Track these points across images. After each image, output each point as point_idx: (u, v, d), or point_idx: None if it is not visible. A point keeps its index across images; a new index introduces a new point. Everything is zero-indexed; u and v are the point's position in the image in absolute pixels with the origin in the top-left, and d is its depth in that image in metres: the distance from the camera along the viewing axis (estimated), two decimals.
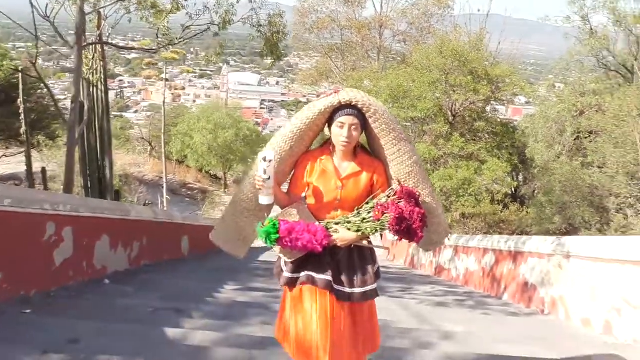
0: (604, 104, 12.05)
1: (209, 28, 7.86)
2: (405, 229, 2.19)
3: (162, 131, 22.96)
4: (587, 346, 3.80)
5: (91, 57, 8.17)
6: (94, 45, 7.94)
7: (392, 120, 2.31)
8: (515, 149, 14.59)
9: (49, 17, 6.84)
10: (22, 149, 11.84)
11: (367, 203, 2.30)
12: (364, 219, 2.26)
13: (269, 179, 2.21)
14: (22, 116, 8.37)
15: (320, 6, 25.29)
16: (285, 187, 2.46)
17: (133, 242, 6.59)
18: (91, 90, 8.28)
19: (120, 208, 6.39)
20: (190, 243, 9.65)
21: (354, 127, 2.25)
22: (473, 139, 14.04)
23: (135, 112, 72.36)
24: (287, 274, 2.34)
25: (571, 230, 10.80)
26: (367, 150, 2.44)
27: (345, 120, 2.24)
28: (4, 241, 3.82)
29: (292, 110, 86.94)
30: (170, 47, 8.23)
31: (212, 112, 28.46)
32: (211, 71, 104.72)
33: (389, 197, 2.25)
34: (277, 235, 2.19)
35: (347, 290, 2.29)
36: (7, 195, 3.78)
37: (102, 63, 8.46)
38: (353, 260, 2.34)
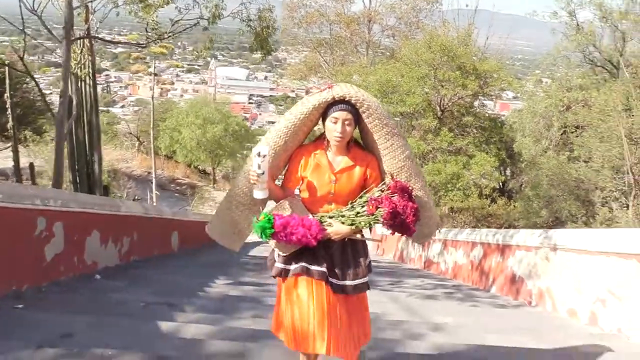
0: (590, 99, 12.21)
1: (198, 22, 7.81)
2: (399, 223, 2.23)
3: (151, 126, 22.80)
4: (573, 336, 3.88)
5: (79, 51, 8.10)
6: (81, 40, 7.87)
7: (385, 116, 2.35)
8: (503, 144, 14.71)
9: (36, 10, 6.77)
10: (8, 144, 11.72)
11: (361, 197, 2.33)
12: (358, 213, 2.29)
13: (263, 173, 2.23)
14: (9, 111, 8.26)
15: (309, 0, 25.23)
16: (279, 182, 2.49)
17: (123, 237, 6.58)
18: (79, 84, 8.22)
19: (110, 203, 6.37)
20: (180, 238, 9.64)
21: (347, 122, 2.28)
22: (461, 133, 14.14)
23: (122, 107, 71.74)
24: (279, 265, 2.37)
25: (558, 223, 10.96)
26: (360, 144, 2.47)
27: (338, 115, 2.27)
28: None
29: (281, 105, 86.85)
30: (159, 41, 8.16)
31: (201, 107, 28.33)
32: (199, 66, 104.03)
33: (383, 191, 2.28)
34: (272, 230, 2.21)
35: (340, 282, 2.33)
36: None
37: (90, 57, 8.39)
38: (346, 253, 2.38)
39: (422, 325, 3.99)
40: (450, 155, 13.30)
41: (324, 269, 2.30)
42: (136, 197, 17.14)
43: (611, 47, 14.09)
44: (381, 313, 4.21)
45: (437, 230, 2.75)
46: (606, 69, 14.51)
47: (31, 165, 9.25)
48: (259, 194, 2.31)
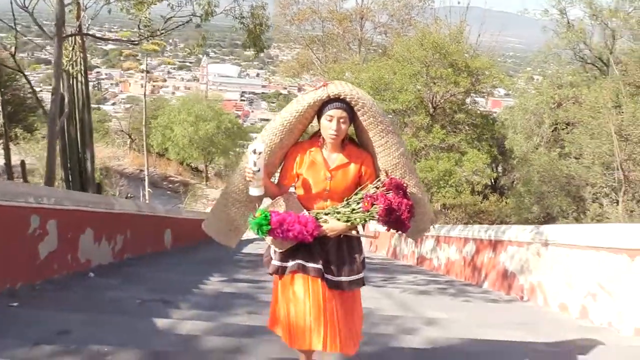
0: (581, 96, 12.30)
1: (190, 19, 7.79)
2: (394, 220, 2.25)
3: (144, 123, 22.70)
4: (564, 330, 3.94)
5: (71, 48, 8.07)
6: (73, 37, 7.83)
7: (379, 113, 2.37)
8: (494, 141, 14.81)
9: (27, 7, 6.73)
10: None
11: (356, 194, 2.35)
12: (353, 209, 2.31)
13: (258, 170, 2.24)
14: (0, 108, 8.21)
15: None
16: (275, 179, 2.51)
17: (116, 235, 6.57)
18: (71, 82, 8.19)
19: (103, 201, 6.36)
20: (173, 236, 9.63)
21: (342, 120, 2.30)
22: (453, 130, 14.21)
23: (113, 104, 71.24)
24: (276, 262, 2.39)
25: (549, 219, 11.05)
26: (355, 142, 2.49)
27: (333, 113, 2.29)
28: None
29: (273, 103, 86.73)
30: (152, 38, 8.13)
31: (193, 104, 28.26)
32: (190, 63, 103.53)
33: (378, 188, 2.30)
34: (269, 227, 2.23)
35: (336, 278, 2.35)
36: None
37: (81, 54, 8.36)
38: (342, 249, 2.40)
39: (415, 320, 4.02)
40: (442, 152, 13.38)
41: (319, 266, 2.32)
42: (129, 195, 17.07)
43: (601, 45, 14.20)
44: (375, 308, 4.24)
45: (432, 226, 2.78)
46: (596, 67, 14.63)
47: (22, 163, 9.21)
48: (254, 191, 2.33)
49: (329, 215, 2.34)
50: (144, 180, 20.63)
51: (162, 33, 7.69)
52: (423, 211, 2.56)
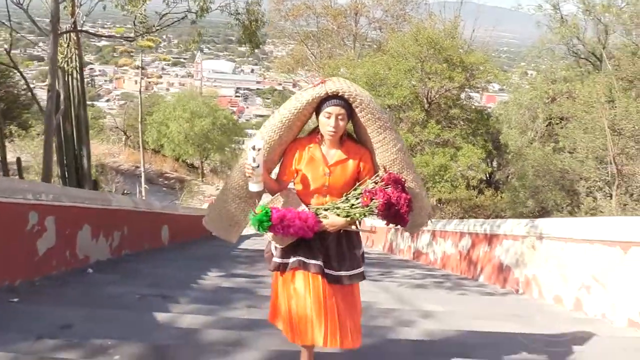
0: (574, 90, 12.36)
1: (186, 16, 7.78)
2: (393, 214, 2.28)
3: (139, 120, 22.64)
4: (558, 322, 4.00)
5: (65, 45, 8.04)
6: (68, 33, 7.80)
7: (377, 110, 2.40)
8: (489, 136, 14.88)
9: (21, 4, 6.70)
10: None
11: (355, 189, 2.38)
12: (353, 204, 2.34)
13: (258, 166, 2.27)
14: None
15: None
16: (274, 175, 2.54)
17: (114, 231, 6.58)
18: (66, 79, 8.16)
19: (101, 197, 6.37)
20: (170, 232, 9.65)
21: (340, 116, 2.32)
22: (448, 125, 14.28)
23: (107, 100, 70.92)
24: (277, 259, 2.42)
25: (543, 213, 11.13)
26: (353, 138, 2.52)
27: (332, 110, 2.32)
28: None
29: (268, 99, 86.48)
30: (147, 34, 8.11)
31: (188, 100, 28.18)
32: (184, 59, 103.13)
33: (376, 183, 2.34)
34: (270, 223, 2.25)
35: (336, 273, 2.39)
36: None
37: (77, 51, 8.33)
38: (341, 244, 2.43)
39: (412, 312, 4.08)
40: (437, 147, 13.43)
41: (320, 262, 2.35)
42: (125, 192, 17.05)
43: (594, 40, 14.27)
44: (372, 302, 4.29)
45: (429, 220, 2.82)
46: (590, 61, 14.70)
47: (18, 160, 9.16)
48: (254, 186, 2.35)
49: (329, 210, 2.36)
50: (140, 176, 20.60)
51: (158, 29, 7.67)
52: (421, 205, 2.59)
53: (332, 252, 2.41)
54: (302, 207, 2.37)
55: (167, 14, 7.57)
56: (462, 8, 19.32)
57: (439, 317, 3.95)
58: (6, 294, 3.76)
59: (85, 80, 9.65)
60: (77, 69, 8.38)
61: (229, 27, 8.86)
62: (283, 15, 25.35)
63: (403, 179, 2.38)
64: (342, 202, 2.38)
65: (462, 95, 15.44)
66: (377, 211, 2.27)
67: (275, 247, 2.44)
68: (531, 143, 13.47)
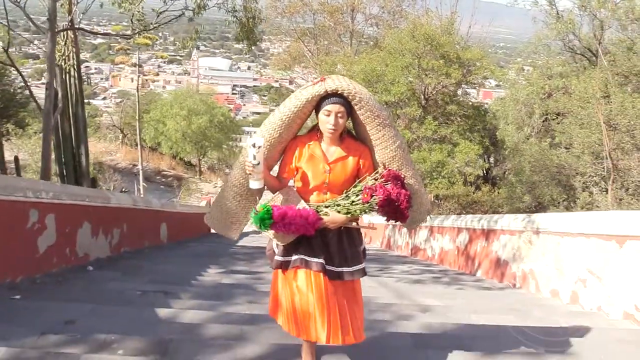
0: (570, 86, 12.40)
1: (183, 13, 7.77)
2: (393, 210, 2.32)
3: (137, 117, 22.59)
4: (555, 315, 4.05)
5: (63, 43, 8.04)
6: (65, 32, 7.81)
7: (377, 107, 2.42)
8: (486, 132, 14.92)
9: (19, 2, 6.70)
10: None
11: (355, 186, 2.41)
12: (353, 201, 2.37)
13: (258, 164, 2.29)
14: None
15: None
16: (275, 172, 2.56)
17: (113, 229, 6.61)
18: (64, 76, 8.16)
19: (100, 195, 6.39)
20: (169, 229, 9.68)
21: (340, 114, 2.35)
22: (446, 122, 14.30)
23: (104, 99, 70.78)
24: (279, 258, 2.45)
25: (540, 208, 11.20)
26: (353, 135, 2.55)
27: (331, 108, 2.34)
28: None
29: (265, 96, 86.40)
30: (145, 32, 8.11)
31: (185, 98, 28.13)
32: (181, 56, 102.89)
33: (376, 180, 2.36)
34: (271, 221, 2.27)
35: (338, 269, 2.42)
36: None
37: (74, 49, 8.34)
38: (342, 241, 2.46)
39: (411, 307, 4.12)
40: (435, 143, 13.47)
41: (321, 260, 2.38)
42: (123, 189, 17.06)
43: (590, 35, 14.28)
44: (372, 297, 4.33)
45: (428, 216, 2.85)
46: (585, 57, 14.74)
47: (16, 159, 9.19)
48: (254, 184, 2.38)
49: (329, 207, 2.38)
50: (137, 174, 20.59)
51: (155, 27, 7.67)
52: (420, 201, 2.62)
53: (333, 249, 2.43)
54: (303, 205, 2.39)
55: (164, 11, 7.56)
56: (459, 4, 19.35)
57: (438, 311, 4.00)
58: (8, 291, 3.79)
59: (82, 78, 9.64)
60: (75, 66, 8.39)
61: (226, 24, 8.85)
62: (279, 12, 25.30)
63: (402, 176, 2.40)
64: (343, 199, 2.40)
65: (459, 92, 15.48)
66: (377, 207, 2.30)
67: (277, 245, 2.46)
68: (528, 139, 13.52)
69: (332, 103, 2.34)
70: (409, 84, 13.85)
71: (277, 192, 2.48)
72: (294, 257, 2.40)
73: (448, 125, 14.07)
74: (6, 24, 7.09)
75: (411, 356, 2.88)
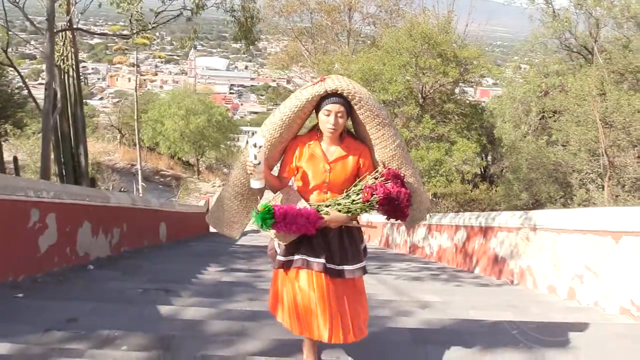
0: (567, 84, 12.46)
1: (181, 13, 7.80)
2: (393, 209, 2.34)
3: (135, 117, 22.58)
4: (552, 311, 4.10)
5: (61, 43, 8.05)
6: (63, 32, 7.82)
7: (376, 107, 2.44)
8: (483, 130, 14.94)
9: (17, 2, 6.72)
10: None
11: (356, 185, 2.43)
12: (353, 200, 2.39)
13: (259, 164, 2.32)
14: None
15: None
16: (275, 171, 2.59)
17: (113, 228, 6.64)
18: (62, 77, 8.18)
19: (100, 195, 6.42)
20: (168, 229, 9.70)
21: (339, 114, 2.37)
22: (443, 120, 14.32)
23: (101, 99, 70.65)
24: (281, 258, 2.47)
25: (537, 205, 11.25)
26: (352, 134, 2.57)
27: (331, 108, 2.37)
28: None
29: (262, 95, 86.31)
30: (143, 32, 8.13)
31: (183, 98, 28.14)
32: (178, 56, 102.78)
33: (376, 179, 2.39)
34: (273, 220, 2.29)
35: (339, 267, 2.45)
36: None
37: (72, 49, 8.35)
38: (343, 239, 2.49)
39: (410, 303, 4.17)
40: (432, 142, 13.47)
41: (322, 260, 2.40)
42: (122, 189, 17.07)
43: (586, 34, 14.34)
44: (371, 293, 4.34)
45: (428, 215, 2.87)
46: (582, 55, 14.80)
47: (15, 159, 9.19)
48: (255, 183, 2.40)
49: (330, 207, 2.40)
50: (136, 174, 20.59)
51: (154, 27, 7.69)
52: (420, 200, 2.65)
53: (335, 248, 2.45)
54: (304, 204, 2.41)
55: (162, 11, 7.58)
56: (455, 2, 19.34)
57: (436, 307, 4.04)
58: (10, 289, 3.82)
59: (81, 78, 9.64)
60: (73, 67, 8.40)
61: (223, 24, 8.87)
62: (277, 12, 25.33)
63: (402, 174, 2.43)
64: (343, 198, 2.42)
65: (456, 90, 15.50)
66: (377, 206, 2.33)
67: (279, 245, 2.48)
68: (525, 136, 13.57)
69: (332, 103, 2.36)
70: (406, 82, 13.86)
71: (278, 192, 2.50)
72: (296, 257, 2.42)
73: (445, 123, 14.08)
74: (5, 24, 7.11)
75: (410, 351, 2.92)
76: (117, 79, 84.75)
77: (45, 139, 6.82)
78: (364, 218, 2.69)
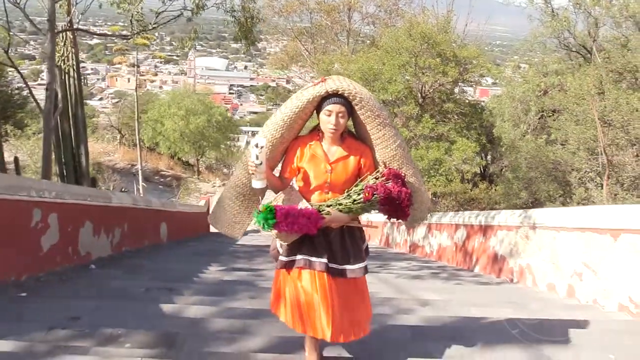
0: (566, 83, 12.49)
1: (182, 14, 7.83)
2: (394, 208, 2.36)
3: (136, 118, 22.58)
4: (552, 308, 4.13)
5: (62, 44, 8.08)
6: (64, 32, 7.85)
7: (377, 107, 2.46)
8: (483, 129, 14.98)
9: (18, 3, 6.75)
10: None
11: (357, 185, 2.45)
12: (355, 200, 2.40)
13: (261, 164, 2.33)
14: None
15: None
16: (277, 172, 2.61)
17: (114, 228, 6.67)
18: (63, 77, 8.21)
19: (102, 195, 6.45)
20: (169, 229, 9.73)
21: (340, 114, 2.39)
22: (443, 120, 14.36)
23: (100, 99, 70.67)
24: (283, 258, 2.48)
25: (537, 204, 11.28)
26: (354, 135, 2.59)
27: (332, 108, 2.39)
28: None
29: (262, 95, 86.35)
30: (144, 32, 8.16)
31: (183, 98, 28.17)
32: (177, 56, 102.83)
33: (377, 178, 2.41)
34: (274, 220, 2.30)
35: (340, 267, 2.46)
36: None
37: (73, 50, 8.38)
38: (344, 239, 2.50)
39: (410, 301, 4.19)
40: (432, 141, 13.51)
41: (324, 260, 2.42)
42: (123, 189, 17.10)
43: (585, 33, 14.37)
44: (372, 292, 4.37)
45: (429, 214, 2.89)
46: (580, 54, 14.83)
47: (16, 159, 9.23)
48: (257, 183, 2.42)
49: (331, 207, 2.42)
50: (136, 175, 20.61)
51: (154, 27, 7.72)
52: (421, 200, 2.67)
53: (336, 247, 2.47)
54: (305, 204, 2.43)
55: (163, 11, 7.60)
56: (455, 2, 19.35)
57: (436, 305, 4.07)
58: (14, 288, 3.85)
59: (82, 78, 9.67)
60: (74, 67, 8.43)
61: (222, 24, 8.90)
62: (276, 12, 25.37)
63: (403, 174, 2.45)
64: (344, 198, 2.43)
65: (456, 90, 15.54)
66: (378, 206, 2.35)
67: (281, 245, 2.50)
68: (524, 135, 13.60)
69: (333, 103, 2.38)
70: (406, 82, 13.89)
71: (279, 193, 2.52)
72: (298, 257, 2.43)
73: (445, 123, 14.12)
74: (6, 25, 7.13)
75: (411, 348, 2.94)
76: (116, 79, 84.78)
77: (46, 139, 6.85)
78: (364, 218, 2.71)
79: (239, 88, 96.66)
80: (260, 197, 2.63)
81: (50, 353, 2.46)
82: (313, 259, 2.42)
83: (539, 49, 15.94)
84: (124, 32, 9.38)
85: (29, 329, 2.78)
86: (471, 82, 15.62)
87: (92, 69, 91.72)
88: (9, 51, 7.59)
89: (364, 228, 2.64)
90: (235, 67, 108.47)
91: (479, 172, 15.96)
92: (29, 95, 10.11)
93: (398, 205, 2.36)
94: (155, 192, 21.89)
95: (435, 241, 8.87)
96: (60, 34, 7.85)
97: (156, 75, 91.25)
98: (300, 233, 2.36)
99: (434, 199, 14.14)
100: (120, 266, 5.71)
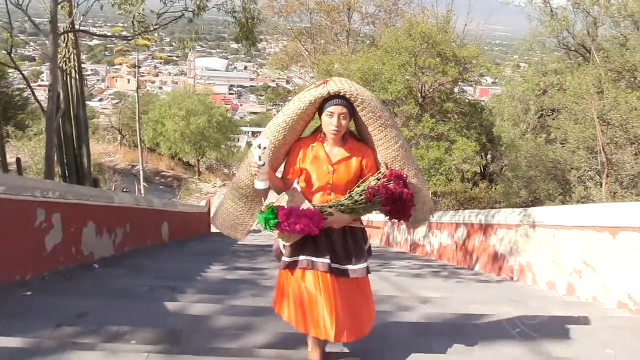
0: (565, 82, 12.54)
1: (183, 14, 7.86)
2: (396, 209, 2.39)
3: (137, 118, 22.60)
4: (551, 305, 4.17)
5: (64, 45, 8.12)
6: (65, 33, 7.88)
7: (378, 108, 2.49)
8: (483, 128, 15.02)
9: (21, 5, 6.78)
10: None
11: (358, 186, 2.47)
12: (356, 201, 2.43)
13: (263, 165, 2.36)
14: None
15: None
16: (279, 173, 2.64)
17: (117, 228, 6.71)
18: (65, 78, 8.25)
19: (104, 195, 6.49)
20: (170, 229, 9.77)
21: (342, 116, 2.42)
22: (443, 119, 14.40)
23: (100, 100, 70.72)
24: (286, 258, 2.50)
25: (536, 202, 11.32)
26: (355, 136, 2.62)
27: (334, 109, 2.41)
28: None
29: (261, 95, 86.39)
30: (145, 33, 8.19)
31: (183, 98, 28.19)
32: (177, 57, 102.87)
33: (379, 179, 2.43)
34: (276, 220, 2.32)
35: (342, 267, 2.49)
36: (1, 182, 3.89)
37: (75, 51, 8.42)
38: (346, 240, 2.53)
39: (411, 299, 4.23)
40: (432, 141, 13.55)
41: (327, 260, 2.44)
42: (124, 190, 17.15)
43: (584, 32, 14.43)
44: (373, 290, 4.40)
45: (431, 215, 2.91)
46: (579, 53, 14.89)
47: (18, 160, 9.26)
48: (260, 184, 2.45)
49: (333, 207, 2.44)
50: (137, 175, 20.66)
51: (156, 28, 7.75)
52: (423, 200, 2.69)
53: (338, 247, 2.49)
54: (307, 205, 2.45)
55: (164, 12, 7.64)
56: (454, 2, 19.38)
57: (437, 302, 4.11)
58: (19, 287, 3.89)
59: (83, 79, 9.70)
60: (76, 68, 8.47)
61: (222, 24, 8.92)
62: (276, 12, 25.40)
63: (405, 175, 2.47)
64: (346, 199, 2.45)
65: (456, 89, 15.56)
66: (380, 206, 2.38)
67: (284, 245, 2.52)
68: (524, 135, 13.66)
69: (335, 104, 2.40)
70: (405, 82, 13.93)
71: (282, 194, 2.55)
72: (301, 258, 2.46)
73: (445, 122, 14.15)
74: (10, 27, 7.16)
75: (411, 344, 2.98)
76: (116, 80, 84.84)
77: (49, 140, 6.88)
78: (364, 218, 2.74)
79: (239, 88, 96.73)
80: (262, 199, 2.65)
81: (59, 349, 2.50)
82: (316, 259, 2.44)
83: (538, 48, 16.00)
84: (125, 33, 9.40)
85: (37, 326, 2.83)
86: (471, 81, 15.65)
87: (92, 69, 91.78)
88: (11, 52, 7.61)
89: (366, 228, 2.67)
90: (235, 68, 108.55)
91: (479, 171, 16.01)
92: (30, 96, 10.17)
93: (400, 206, 2.38)
94: (156, 193, 21.92)
95: (435, 240, 8.91)
96: (62, 35, 7.88)
97: (157, 75, 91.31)
98: (302, 233, 2.37)
99: (434, 198, 14.19)
100: (123, 266, 5.75)
